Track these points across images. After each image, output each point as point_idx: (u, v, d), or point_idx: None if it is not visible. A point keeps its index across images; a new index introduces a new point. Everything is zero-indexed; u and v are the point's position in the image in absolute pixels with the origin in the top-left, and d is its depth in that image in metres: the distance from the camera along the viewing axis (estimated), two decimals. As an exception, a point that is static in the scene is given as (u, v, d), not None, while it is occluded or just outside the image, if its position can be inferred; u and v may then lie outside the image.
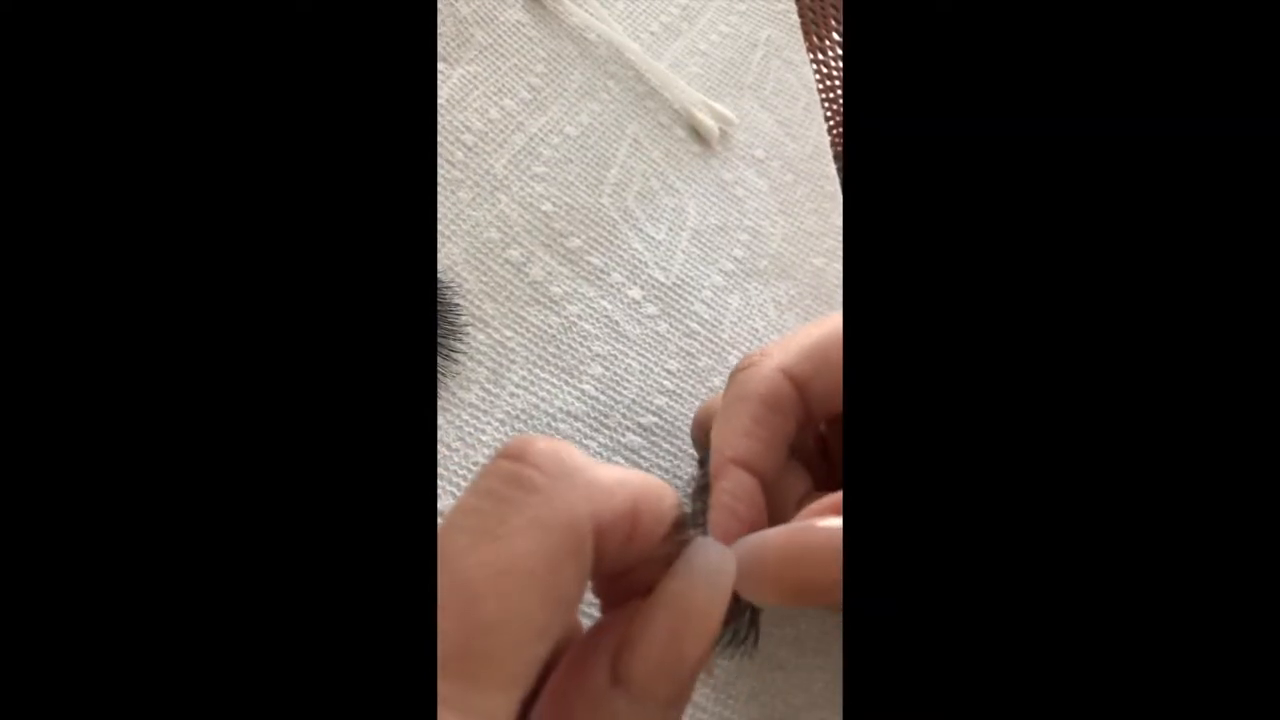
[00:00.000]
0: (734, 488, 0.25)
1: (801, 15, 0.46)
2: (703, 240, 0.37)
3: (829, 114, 0.45)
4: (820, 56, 0.46)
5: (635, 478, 0.16)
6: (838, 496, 0.22)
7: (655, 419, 0.33)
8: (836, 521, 0.20)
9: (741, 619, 0.22)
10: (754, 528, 0.25)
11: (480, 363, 0.30)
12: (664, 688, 0.16)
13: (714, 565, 0.17)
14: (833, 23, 0.47)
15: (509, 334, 0.31)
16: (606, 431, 0.32)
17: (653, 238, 0.36)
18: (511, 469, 0.14)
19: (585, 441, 0.31)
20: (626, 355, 0.33)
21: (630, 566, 0.17)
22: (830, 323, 0.27)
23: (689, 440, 0.33)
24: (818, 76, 0.45)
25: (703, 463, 0.25)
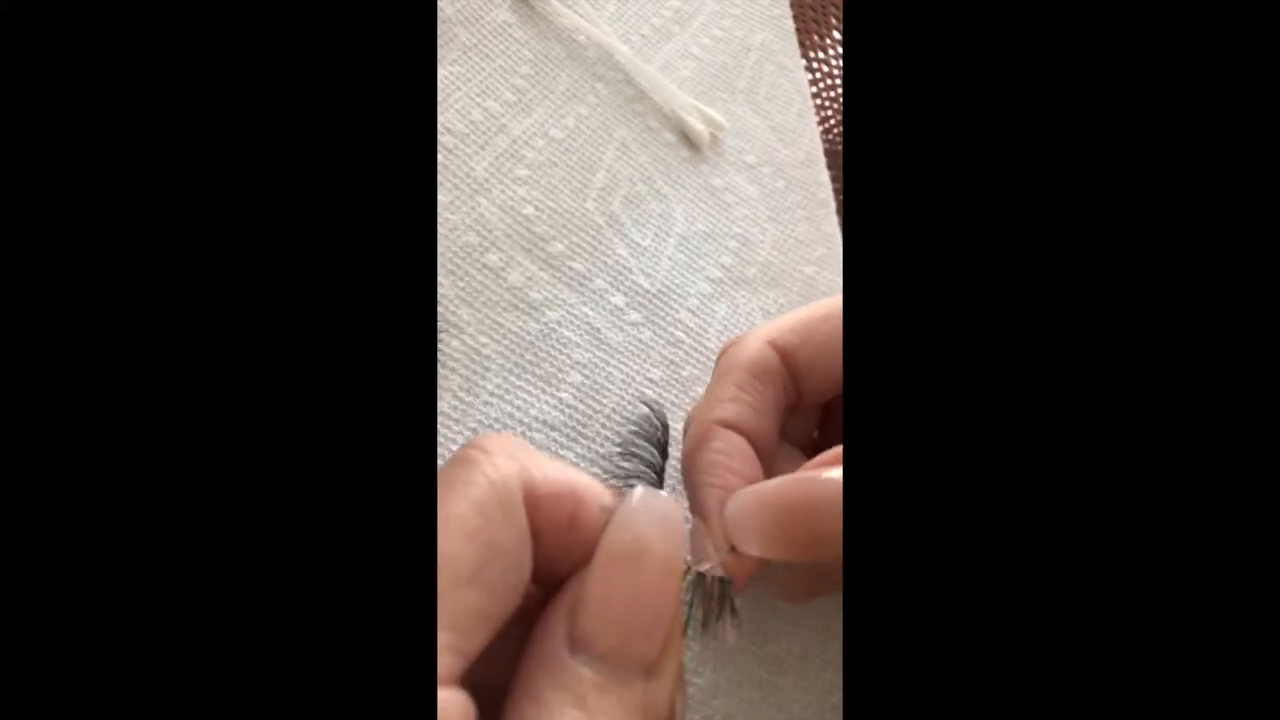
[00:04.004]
0: (724, 445, 0.25)
1: (803, 13, 0.46)
2: (690, 247, 0.37)
3: (830, 112, 0.44)
4: (821, 55, 0.45)
5: (582, 474, 0.17)
6: (838, 450, 0.21)
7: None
8: (836, 472, 0.19)
9: (711, 599, 0.20)
10: (747, 471, 0.24)
11: (454, 370, 0.30)
12: (633, 650, 0.15)
13: (654, 506, 0.16)
14: (834, 21, 0.46)
15: (485, 340, 0.30)
16: (584, 441, 0.31)
17: (638, 244, 0.35)
18: (463, 452, 0.16)
19: (562, 452, 0.30)
20: (607, 363, 0.33)
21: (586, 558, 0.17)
22: (819, 304, 0.27)
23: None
24: (819, 75, 0.45)
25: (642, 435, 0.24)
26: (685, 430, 0.31)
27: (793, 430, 0.27)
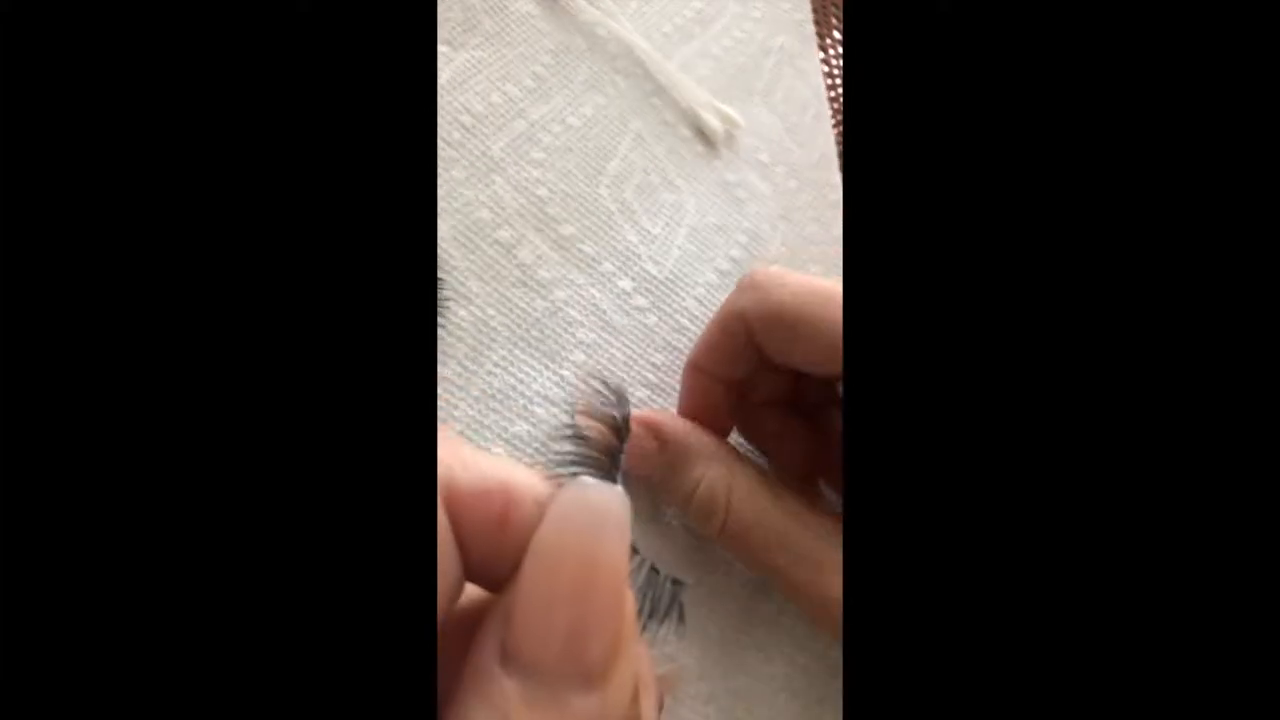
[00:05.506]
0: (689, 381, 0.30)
1: (804, 15, 0.46)
2: (700, 238, 0.37)
3: (831, 112, 0.44)
4: (822, 55, 0.46)
5: (520, 469, 0.16)
6: None
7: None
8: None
9: (660, 589, 0.18)
10: (702, 417, 0.30)
11: (460, 339, 0.30)
12: (572, 662, 0.14)
13: (590, 499, 0.14)
14: (834, 21, 0.47)
15: (492, 313, 0.31)
16: (584, 419, 0.31)
17: (648, 231, 0.36)
18: None
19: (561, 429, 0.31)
20: (611, 345, 0.33)
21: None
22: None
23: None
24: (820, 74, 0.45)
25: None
26: None
27: (766, 387, 0.30)
